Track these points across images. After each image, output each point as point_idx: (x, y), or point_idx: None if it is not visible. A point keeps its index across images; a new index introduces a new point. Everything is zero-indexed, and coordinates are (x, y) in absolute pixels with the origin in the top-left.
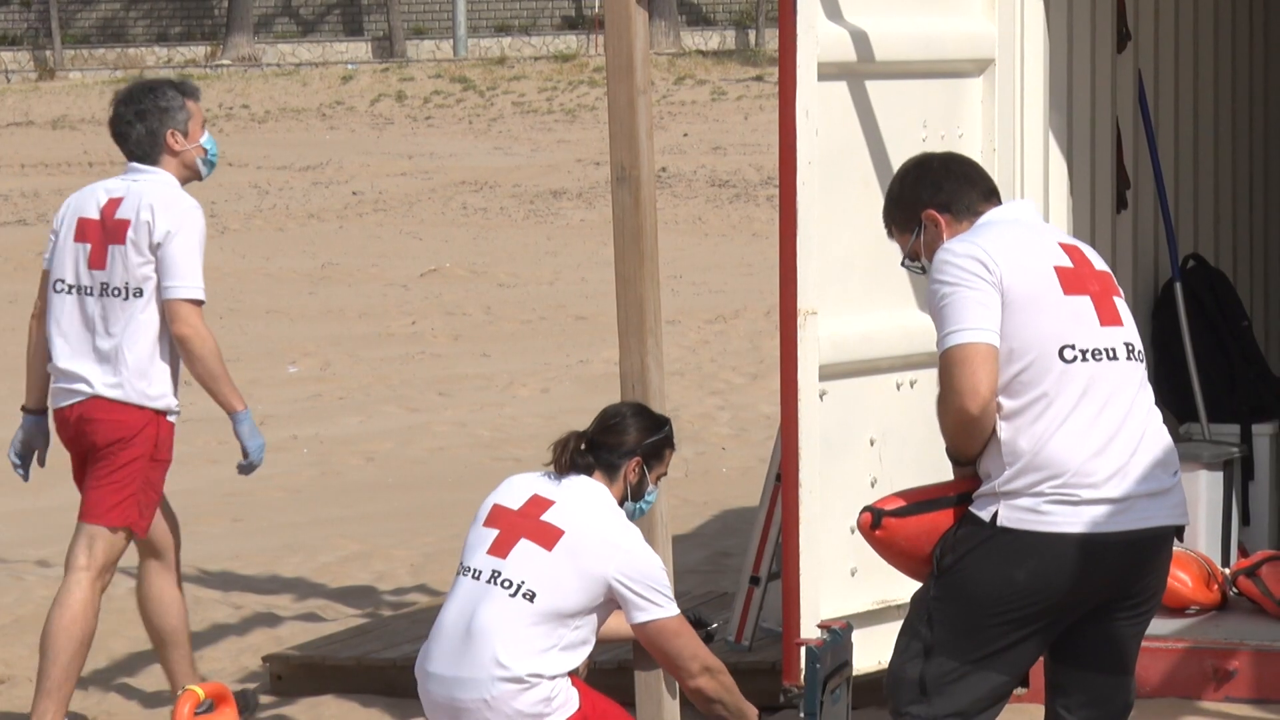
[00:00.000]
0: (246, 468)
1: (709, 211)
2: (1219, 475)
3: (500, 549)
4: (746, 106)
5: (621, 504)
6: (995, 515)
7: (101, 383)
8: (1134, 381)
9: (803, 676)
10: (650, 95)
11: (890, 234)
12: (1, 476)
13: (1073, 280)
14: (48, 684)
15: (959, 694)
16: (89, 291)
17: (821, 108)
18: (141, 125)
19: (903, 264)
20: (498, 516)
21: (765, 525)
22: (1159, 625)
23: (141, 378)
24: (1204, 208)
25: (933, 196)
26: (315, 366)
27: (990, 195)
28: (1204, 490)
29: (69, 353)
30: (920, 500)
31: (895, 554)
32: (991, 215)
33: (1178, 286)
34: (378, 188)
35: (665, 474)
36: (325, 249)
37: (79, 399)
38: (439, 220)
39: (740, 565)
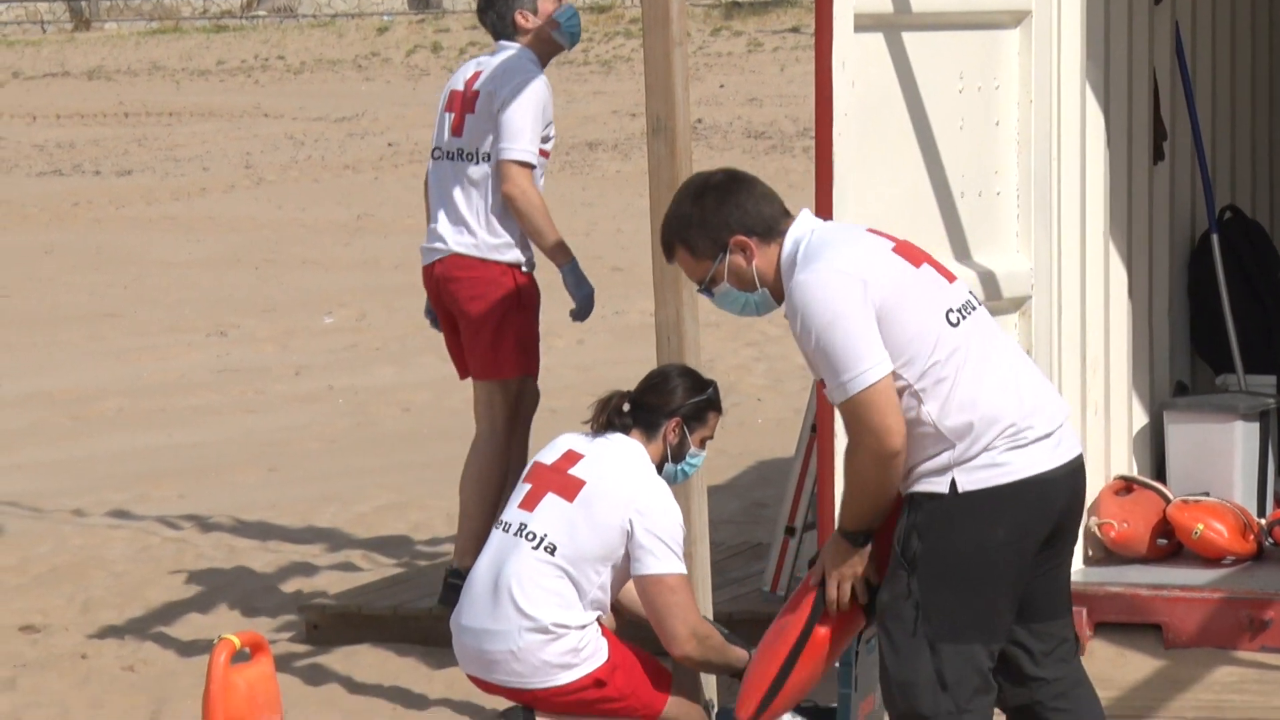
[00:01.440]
0: (578, 314)
1: (745, 163)
2: (1255, 426)
3: (529, 503)
4: (783, 58)
5: (661, 465)
6: (954, 484)
7: (456, 241)
8: (995, 324)
9: None
10: (686, 46)
11: (673, 258)
12: (36, 427)
13: (909, 253)
14: (468, 525)
15: (972, 674)
16: (450, 156)
17: (858, 59)
18: (491, 11)
19: (700, 290)
20: (534, 472)
21: (800, 476)
22: (1195, 576)
23: (492, 234)
24: (1241, 159)
25: (741, 220)
26: (351, 317)
27: (785, 210)
28: (1240, 441)
29: (434, 213)
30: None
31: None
32: (808, 228)
33: (1214, 238)
34: (413, 139)
35: (710, 437)
36: (361, 200)
37: (439, 256)
38: None
39: (775, 516)
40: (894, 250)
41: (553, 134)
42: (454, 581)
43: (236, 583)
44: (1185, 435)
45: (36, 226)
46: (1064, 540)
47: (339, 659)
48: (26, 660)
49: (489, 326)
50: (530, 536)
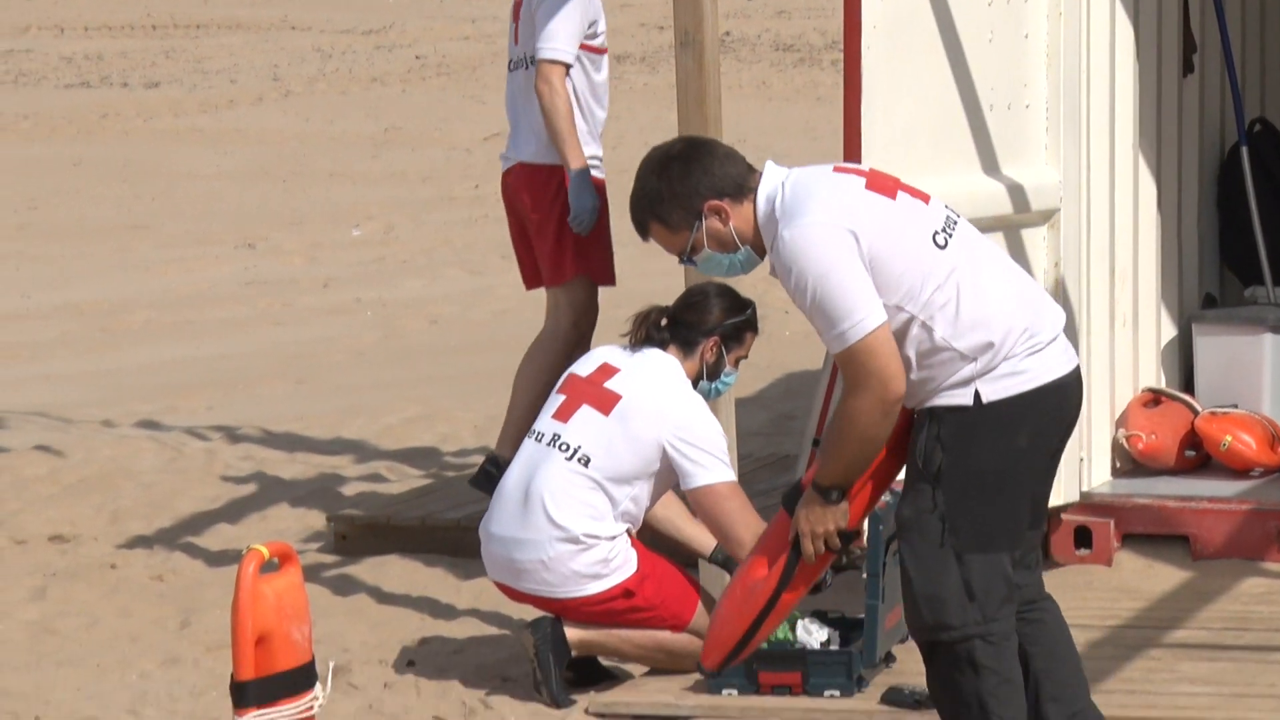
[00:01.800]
0: (574, 222)
1: (773, 76)
2: None
3: (563, 414)
4: None
5: (696, 382)
6: (977, 396)
7: (520, 149)
8: (978, 234)
9: (865, 538)
10: None
11: (648, 235)
12: (65, 338)
13: (882, 185)
14: (514, 417)
15: (998, 583)
16: (512, 66)
17: None
18: None
19: (682, 261)
20: (569, 383)
21: (828, 388)
22: (1223, 487)
23: (547, 139)
24: (1271, 71)
25: (710, 185)
26: (379, 230)
27: (749, 167)
28: (1269, 353)
29: (509, 124)
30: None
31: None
32: (778, 181)
33: (1244, 150)
34: (441, 51)
35: (745, 357)
36: (388, 113)
37: (509, 165)
38: (502, 84)
39: (803, 428)
40: (867, 187)
41: (601, 29)
42: (490, 469)
43: (265, 494)
44: (1214, 347)
45: (64, 139)
46: (1061, 450)
47: (367, 569)
48: (56, 570)
49: (550, 230)
50: (564, 447)
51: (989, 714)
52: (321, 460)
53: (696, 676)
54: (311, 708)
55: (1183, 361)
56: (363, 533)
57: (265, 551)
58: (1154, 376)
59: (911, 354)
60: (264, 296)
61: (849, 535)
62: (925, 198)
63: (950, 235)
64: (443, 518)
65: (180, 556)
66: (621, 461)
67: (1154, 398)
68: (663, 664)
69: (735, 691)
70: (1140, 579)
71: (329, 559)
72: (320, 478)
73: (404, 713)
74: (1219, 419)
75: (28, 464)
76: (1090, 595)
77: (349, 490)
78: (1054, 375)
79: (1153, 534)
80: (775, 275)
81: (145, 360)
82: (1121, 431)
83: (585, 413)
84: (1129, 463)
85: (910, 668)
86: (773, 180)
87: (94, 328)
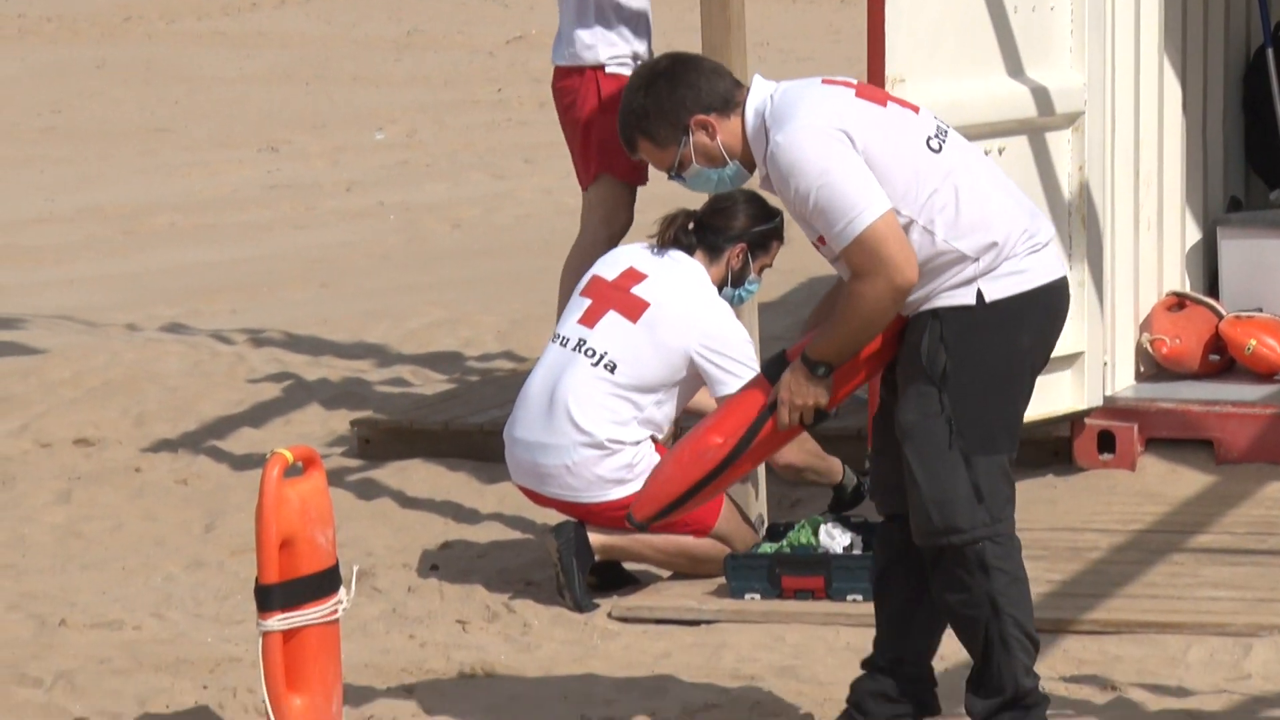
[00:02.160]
0: None
1: None
2: None
3: (589, 319)
4: None
5: (720, 288)
6: (980, 295)
7: (557, 54)
8: (968, 143)
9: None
10: None
11: (636, 151)
12: (89, 241)
13: (873, 95)
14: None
15: (1001, 484)
16: None
17: None
18: None
19: (671, 177)
20: (593, 287)
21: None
22: (1247, 391)
23: (579, 41)
24: None
25: (696, 100)
26: (401, 133)
27: (736, 81)
28: None
29: None
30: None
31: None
32: (765, 94)
33: (1269, 52)
34: None
35: (770, 265)
36: (411, 15)
37: (553, 70)
38: None
39: None
40: (857, 96)
41: None
42: None
43: (289, 398)
44: (1238, 251)
45: (87, 41)
46: (1045, 364)
47: (391, 473)
48: (81, 473)
49: (579, 130)
50: (590, 353)
51: (1001, 613)
52: (345, 364)
53: (720, 581)
54: (336, 611)
55: (1207, 265)
56: (386, 437)
57: (289, 455)
58: (1178, 280)
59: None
60: (287, 200)
61: (823, 415)
62: (915, 108)
63: (943, 141)
64: (466, 422)
65: (205, 460)
66: (648, 369)
67: (1178, 301)
68: (685, 569)
69: (758, 596)
70: (1164, 483)
71: (352, 463)
72: (344, 382)
73: (427, 617)
74: (1243, 323)
75: (52, 367)
76: (1113, 500)
77: (372, 394)
78: (1053, 275)
79: (1176, 438)
80: (767, 188)
81: (169, 263)
82: (1145, 336)
83: (612, 319)
84: (1153, 367)
85: None
86: (760, 93)
87: (117, 231)
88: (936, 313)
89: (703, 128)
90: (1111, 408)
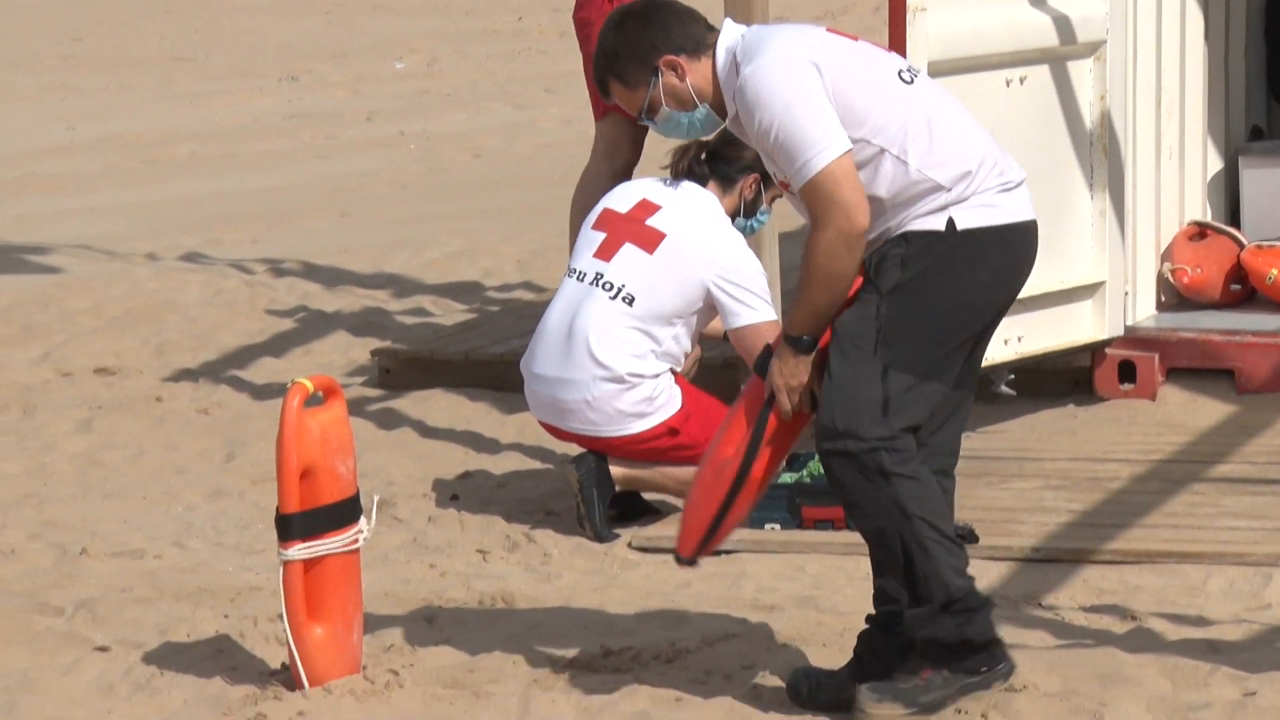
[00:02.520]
0: None
1: None
2: None
3: (605, 252)
4: None
5: (733, 219)
6: (951, 223)
7: None
8: (938, 85)
9: None
10: None
11: (609, 95)
12: (109, 170)
13: (843, 34)
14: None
15: (913, 408)
16: None
17: None
18: None
19: (642, 121)
20: (606, 220)
21: None
22: (1268, 321)
23: None
24: None
25: (666, 41)
26: (422, 62)
27: (709, 25)
28: None
29: None
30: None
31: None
32: (736, 34)
33: None
34: None
35: (780, 196)
36: None
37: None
38: None
39: None
40: (828, 33)
41: None
42: None
43: (309, 327)
44: (1260, 180)
45: None
46: (1004, 311)
47: (411, 403)
48: (102, 402)
49: (589, 62)
50: (607, 286)
51: (911, 518)
52: (365, 294)
53: None
54: (356, 540)
55: (1229, 194)
56: (406, 367)
57: (310, 385)
58: (1200, 210)
59: (884, 192)
60: (307, 129)
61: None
62: (886, 47)
63: (915, 75)
64: (487, 352)
65: (225, 390)
66: (665, 301)
67: (1199, 231)
68: None
69: (778, 526)
70: (1184, 413)
71: (373, 393)
72: (364, 311)
73: (447, 546)
74: (1265, 252)
75: (73, 297)
76: (1134, 430)
77: (393, 324)
78: (1023, 216)
79: (1197, 368)
80: (736, 128)
81: (189, 193)
82: (1167, 265)
83: (628, 251)
84: (1174, 296)
85: (954, 502)
86: (732, 33)
87: (138, 160)
88: (905, 235)
89: (672, 69)
90: (1132, 337)
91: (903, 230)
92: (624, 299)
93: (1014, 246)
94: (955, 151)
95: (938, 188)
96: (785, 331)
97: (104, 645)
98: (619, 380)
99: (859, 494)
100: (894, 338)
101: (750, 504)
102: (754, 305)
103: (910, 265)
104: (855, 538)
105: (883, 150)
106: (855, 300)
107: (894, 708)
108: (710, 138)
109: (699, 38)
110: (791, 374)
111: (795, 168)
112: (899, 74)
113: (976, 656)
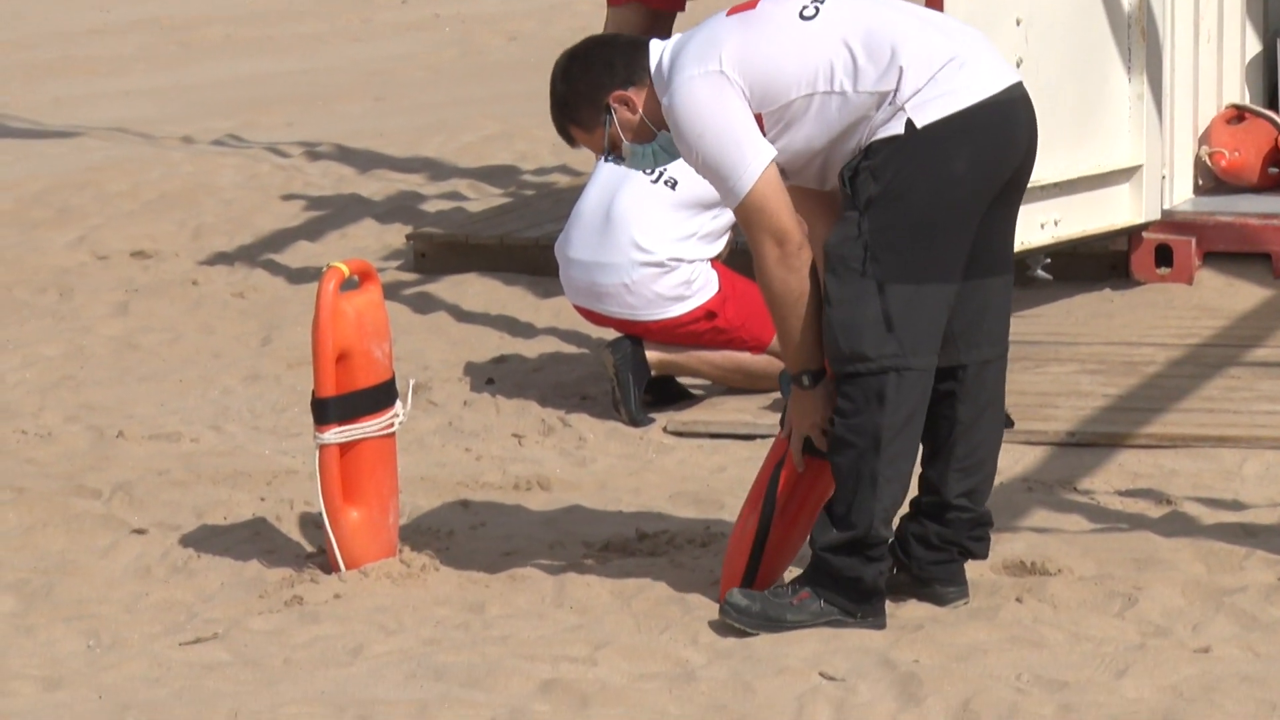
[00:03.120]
0: None
1: None
2: None
3: None
4: None
5: None
6: (910, 124)
7: None
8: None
9: None
10: None
11: (573, 142)
12: (144, 52)
13: (740, 6)
14: None
15: (921, 316)
16: None
17: None
18: None
19: (607, 159)
20: None
21: None
22: None
23: None
24: None
25: (611, 78)
26: None
27: (645, 47)
28: None
29: None
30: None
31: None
32: (658, 52)
33: None
34: None
35: None
36: None
37: None
38: None
39: None
40: (728, 15)
41: None
42: None
43: (344, 211)
44: None
45: None
46: (1017, 190)
47: (446, 287)
48: (138, 285)
49: None
50: (648, 169)
51: (881, 450)
52: (400, 178)
53: (775, 396)
54: (392, 424)
55: (1267, 77)
56: (442, 250)
57: (345, 269)
58: (1238, 92)
59: (838, 125)
60: (343, 12)
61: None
62: None
63: (820, 5)
64: (521, 236)
65: (261, 273)
66: (707, 185)
67: (1237, 114)
68: (740, 384)
69: None
70: (1221, 297)
71: (408, 277)
72: (399, 195)
73: (483, 430)
74: None
75: (109, 179)
76: (1170, 314)
77: (428, 208)
78: (990, 91)
79: (1234, 252)
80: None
81: (224, 75)
82: (1204, 148)
83: None
84: (1211, 180)
85: None
86: (655, 55)
87: (173, 42)
88: (870, 148)
89: (623, 103)
90: (1169, 221)
91: (866, 145)
92: (666, 183)
93: (985, 128)
94: (887, 55)
95: (884, 95)
96: (789, 371)
97: (141, 528)
98: (659, 265)
99: (850, 406)
100: (881, 251)
101: (791, 551)
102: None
103: (881, 176)
104: None
105: (821, 94)
106: (839, 220)
107: (757, 617)
108: None
109: (644, 67)
110: (807, 414)
111: (724, 192)
112: (800, 13)
113: (861, 603)
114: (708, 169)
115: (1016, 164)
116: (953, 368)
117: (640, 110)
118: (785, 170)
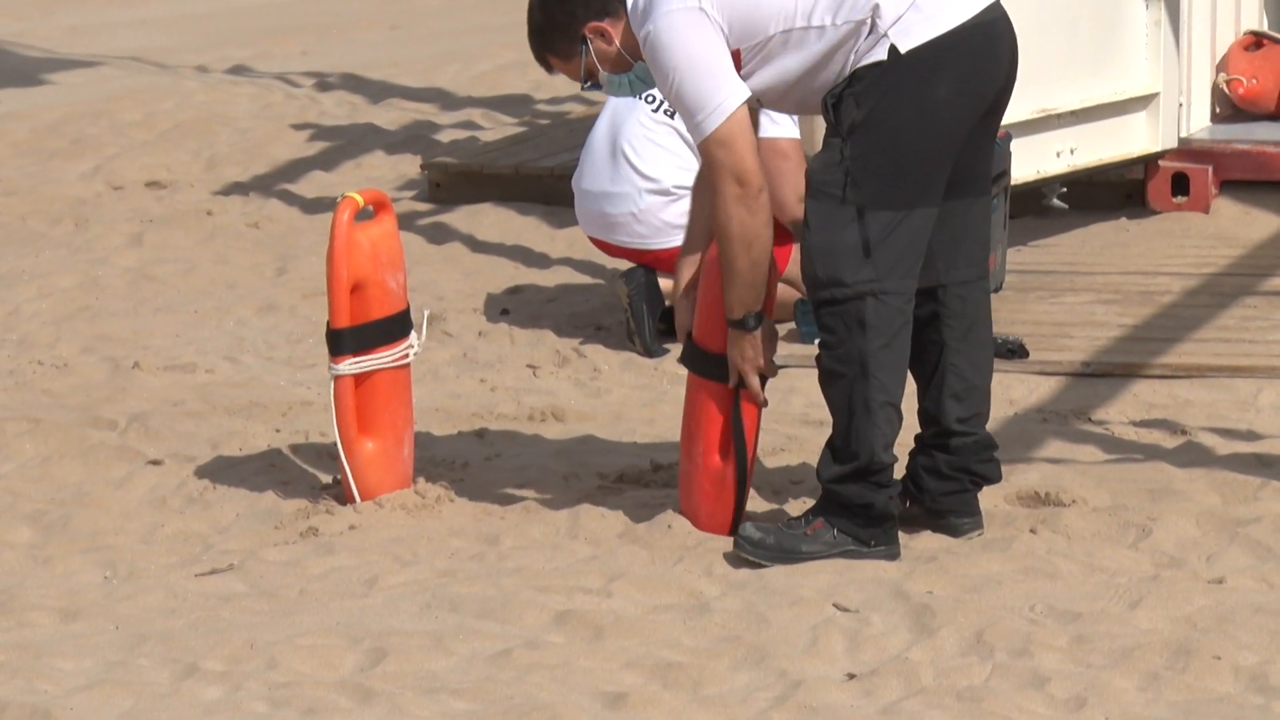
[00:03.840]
0: None
1: None
2: None
3: None
4: None
5: None
6: (893, 49)
7: None
8: None
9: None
10: None
11: (550, 69)
12: None
13: None
14: None
15: (901, 242)
16: None
17: None
18: None
19: (585, 89)
20: None
21: None
22: None
23: None
24: None
25: (585, 9)
26: None
27: None
28: None
29: None
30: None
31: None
32: None
33: None
34: None
35: None
36: None
37: None
38: None
39: None
40: None
41: None
42: None
43: (359, 141)
44: None
45: None
46: (997, 113)
47: (461, 217)
48: (153, 216)
49: None
50: (649, 99)
51: (869, 376)
52: (415, 107)
53: (790, 326)
54: (407, 355)
55: None
56: (457, 180)
57: (360, 199)
58: (1256, 19)
59: (820, 56)
60: None
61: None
62: None
63: None
64: (536, 165)
65: (275, 203)
66: None
67: (1255, 40)
68: None
69: None
70: (1238, 226)
71: (423, 207)
72: (414, 125)
73: (498, 361)
74: None
75: (123, 109)
76: (1186, 243)
77: (443, 137)
78: (970, 14)
79: (1251, 180)
80: None
81: (239, 4)
82: (1221, 76)
83: None
84: (1228, 108)
85: (1005, 316)
86: None
87: None
88: (854, 74)
89: (599, 34)
90: (1186, 149)
91: (848, 73)
92: (667, 111)
93: (968, 50)
94: None
95: (863, 24)
96: (727, 317)
97: (156, 459)
98: (665, 193)
99: (833, 337)
100: (863, 178)
101: (753, 470)
102: (779, 120)
103: (864, 102)
104: None
105: (800, 29)
106: (822, 146)
107: (771, 549)
108: None
109: (617, 1)
110: (750, 355)
111: (692, 125)
112: None
113: (874, 528)
114: (680, 102)
115: (999, 85)
116: (932, 288)
117: (617, 42)
118: (765, 98)
